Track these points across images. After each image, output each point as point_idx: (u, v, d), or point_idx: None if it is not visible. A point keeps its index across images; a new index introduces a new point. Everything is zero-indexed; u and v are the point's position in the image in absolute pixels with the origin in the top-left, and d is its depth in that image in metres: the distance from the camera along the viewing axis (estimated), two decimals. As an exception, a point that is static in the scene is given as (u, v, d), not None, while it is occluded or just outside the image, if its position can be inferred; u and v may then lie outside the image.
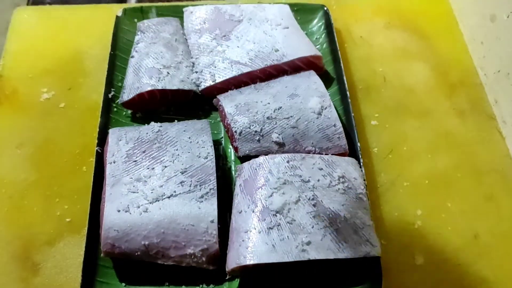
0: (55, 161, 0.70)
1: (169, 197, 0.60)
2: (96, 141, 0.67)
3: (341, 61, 0.75)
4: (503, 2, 0.74)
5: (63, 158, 0.70)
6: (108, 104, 0.72)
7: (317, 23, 0.83)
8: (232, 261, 0.57)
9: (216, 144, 0.70)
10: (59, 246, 0.63)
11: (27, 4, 0.96)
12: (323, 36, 0.82)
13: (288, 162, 0.63)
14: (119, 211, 0.58)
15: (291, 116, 0.67)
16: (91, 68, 0.79)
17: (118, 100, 0.72)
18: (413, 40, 0.85)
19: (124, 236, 0.57)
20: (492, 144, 0.74)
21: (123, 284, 0.59)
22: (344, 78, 0.74)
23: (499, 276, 0.62)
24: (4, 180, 0.68)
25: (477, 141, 0.74)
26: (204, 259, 0.58)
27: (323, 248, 0.57)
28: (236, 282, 0.60)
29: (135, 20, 0.80)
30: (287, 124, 0.67)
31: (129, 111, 0.73)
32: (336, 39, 0.78)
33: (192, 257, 0.58)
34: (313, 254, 0.56)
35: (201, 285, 0.59)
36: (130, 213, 0.58)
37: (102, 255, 0.58)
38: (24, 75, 0.78)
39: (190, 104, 0.74)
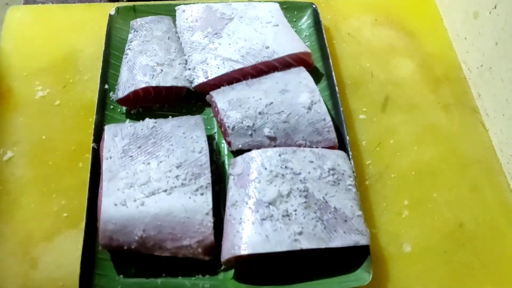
0: (52, 158, 0.71)
1: (165, 191, 0.61)
2: (92, 137, 0.68)
3: (330, 58, 0.77)
4: (485, -1, 0.77)
5: (59, 155, 0.71)
6: (103, 101, 0.73)
7: (306, 21, 0.85)
8: (227, 252, 0.59)
9: (210, 139, 0.72)
10: (57, 241, 0.64)
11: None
12: (312, 33, 0.84)
13: (279, 155, 0.65)
14: (116, 205, 0.60)
15: (282, 111, 0.69)
16: (85, 66, 0.80)
17: (113, 97, 0.74)
18: (400, 36, 0.88)
19: (122, 229, 0.59)
20: (476, 136, 0.76)
21: (121, 276, 0.60)
22: (333, 74, 0.76)
23: (483, 262, 0.65)
24: (1, 177, 0.69)
25: (461, 133, 0.76)
26: (199, 250, 0.60)
27: (314, 237, 0.59)
28: (231, 272, 0.62)
29: (128, 18, 0.82)
30: (279, 119, 0.69)
31: (124, 108, 0.75)
32: (324, 36, 0.81)
33: (188, 248, 0.59)
34: (305, 243, 0.59)
35: (197, 276, 0.61)
36: (127, 207, 0.60)
37: (100, 248, 0.59)
38: (18, 73, 0.79)
39: (183, 100, 0.76)
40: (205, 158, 0.65)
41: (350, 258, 0.61)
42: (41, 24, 0.86)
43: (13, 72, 0.79)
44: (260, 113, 0.69)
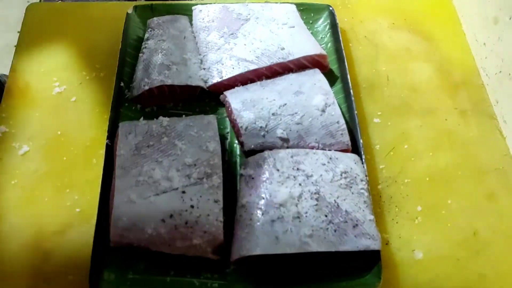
0: (66, 153, 0.72)
1: (176, 189, 0.61)
2: (106, 134, 0.69)
3: (346, 60, 0.77)
4: (506, 4, 0.76)
5: (74, 151, 0.72)
6: (118, 99, 0.74)
7: (322, 23, 0.85)
8: (236, 252, 0.59)
9: (222, 139, 0.72)
10: (69, 235, 0.65)
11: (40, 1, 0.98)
12: (328, 35, 0.83)
13: (292, 157, 0.65)
14: (127, 202, 0.60)
15: (296, 113, 0.69)
16: (101, 63, 0.81)
17: (127, 95, 0.74)
18: (417, 41, 0.86)
19: (132, 227, 0.59)
20: (493, 143, 0.75)
21: (130, 272, 0.61)
22: (348, 76, 0.75)
23: (497, 271, 0.64)
24: (16, 171, 0.70)
25: (478, 140, 0.75)
26: (209, 249, 0.59)
27: (324, 240, 0.59)
28: (240, 272, 0.61)
29: (145, 17, 0.82)
30: (292, 120, 0.68)
31: (138, 106, 0.75)
32: (341, 38, 0.80)
33: (198, 247, 0.59)
34: (315, 246, 0.58)
35: (205, 275, 0.61)
36: (138, 204, 0.60)
37: (111, 244, 0.60)
38: (36, 69, 0.80)
39: (197, 99, 0.76)
40: (217, 158, 0.65)
41: (360, 262, 0.61)
42: (59, 21, 0.87)
43: (30, 68, 0.80)
44: (273, 114, 0.69)
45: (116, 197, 0.60)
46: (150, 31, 0.79)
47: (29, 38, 0.84)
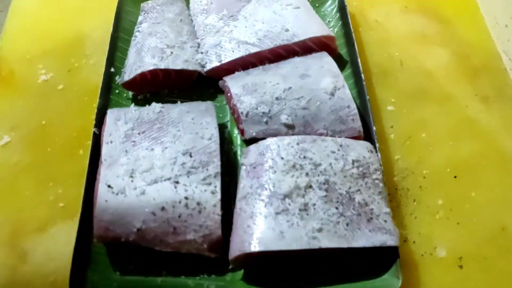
0: (51, 144, 0.66)
1: (169, 179, 0.55)
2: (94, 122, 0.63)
3: (355, 44, 0.71)
4: (530, -19, 0.70)
5: (59, 141, 0.66)
6: (108, 85, 0.68)
7: (329, 6, 0.79)
8: (236, 249, 0.52)
9: (222, 127, 0.66)
10: (51, 232, 0.59)
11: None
12: (336, 19, 0.77)
13: (298, 144, 0.58)
14: (114, 192, 0.54)
15: (302, 97, 0.62)
16: (92, 50, 0.76)
17: (118, 81, 0.69)
18: (432, 24, 0.80)
19: (119, 219, 0.53)
20: (519, 131, 0.68)
21: (118, 272, 0.54)
22: (359, 60, 0.69)
23: (529, 271, 0.57)
24: (-3, 163, 0.64)
25: (502, 128, 0.69)
26: (205, 246, 0.53)
27: (335, 235, 0.52)
28: (240, 272, 0.55)
29: (139, 0, 0.77)
30: (298, 105, 0.62)
31: (130, 93, 0.69)
32: (350, 21, 0.74)
33: (193, 243, 0.53)
34: (325, 242, 0.51)
35: (201, 275, 0.54)
36: (126, 195, 0.54)
37: (94, 239, 0.53)
38: (22, 56, 0.75)
39: (194, 86, 0.70)
40: (214, 145, 0.58)
41: (376, 261, 0.54)
42: (48, 5, 0.82)
43: (16, 54, 0.75)
44: (277, 98, 0.62)
45: (101, 187, 0.54)
46: (144, 14, 0.74)
47: (16, 23, 0.79)
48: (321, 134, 0.61)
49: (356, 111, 0.62)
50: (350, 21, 0.74)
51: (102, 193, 0.54)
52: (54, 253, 0.57)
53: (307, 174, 0.56)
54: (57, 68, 0.74)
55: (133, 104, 0.67)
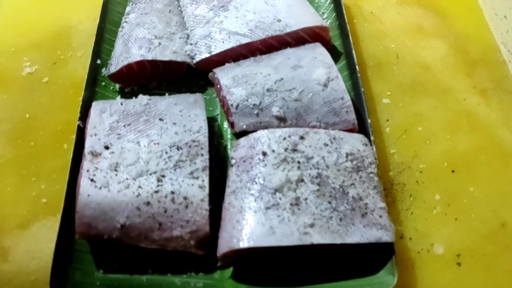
0: (34, 138, 0.64)
1: (154, 173, 0.53)
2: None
3: (350, 36, 0.69)
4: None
5: (43, 135, 0.64)
6: (94, 77, 0.66)
7: (323, -3, 0.77)
8: (224, 245, 0.50)
9: (211, 121, 0.64)
10: (33, 229, 0.57)
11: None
12: (330, 10, 0.75)
13: (289, 136, 0.56)
14: (97, 187, 0.52)
15: (294, 88, 0.60)
16: (78, 42, 0.74)
17: (104, 73, 0.66)
18: (428, 16, 0.79)
19: (102, 215, 0.50)
20: (518, 124, 0.66)
21: (101, 270, 0.52)
22: (353, 52, 0.67)
23: (530, 268, 0.55)
24: (-23, 158, 0.62)
25: (501, 121, 0.67)
26: (192, 242, 0.51)
27: (328, 231, 0.50)
28: (229, 270, 0.52)
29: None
30: (289, 96, 0.60)
31: (117, 86, 0.67)
32: (344, 13, 0.72)
33: (179, 240, 0.51)
34: (317, 237, 0.49)
35: (188, 273, 0.52)
36: (109, 190, 0.51)
37: (76, 236, 0.51)
38: (6, 48, 0.73)
39: (183, 78, 0.68)
40: (203, 138, 0.56)
41: (371, 257, 0.52)
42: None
43: (0, 47, 0.72)
44: (268, 90, 0.60)
45: (83, 181, 0.52)
46: (132, 4, 0.72)
47: (0, 15, 0.77)
48: (314, 127, 0.59)
49: (350, 102, 0.60)
50: (344, 11, 0.72)
51: (84, 187, 0.51)
52: (36, 251, 0.55)
53: (298, 167, 0.53)
54: (42, 61, 0.71)
55: (119, 97, 0.65)
